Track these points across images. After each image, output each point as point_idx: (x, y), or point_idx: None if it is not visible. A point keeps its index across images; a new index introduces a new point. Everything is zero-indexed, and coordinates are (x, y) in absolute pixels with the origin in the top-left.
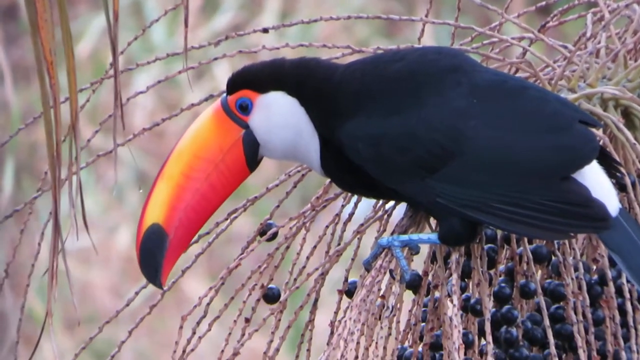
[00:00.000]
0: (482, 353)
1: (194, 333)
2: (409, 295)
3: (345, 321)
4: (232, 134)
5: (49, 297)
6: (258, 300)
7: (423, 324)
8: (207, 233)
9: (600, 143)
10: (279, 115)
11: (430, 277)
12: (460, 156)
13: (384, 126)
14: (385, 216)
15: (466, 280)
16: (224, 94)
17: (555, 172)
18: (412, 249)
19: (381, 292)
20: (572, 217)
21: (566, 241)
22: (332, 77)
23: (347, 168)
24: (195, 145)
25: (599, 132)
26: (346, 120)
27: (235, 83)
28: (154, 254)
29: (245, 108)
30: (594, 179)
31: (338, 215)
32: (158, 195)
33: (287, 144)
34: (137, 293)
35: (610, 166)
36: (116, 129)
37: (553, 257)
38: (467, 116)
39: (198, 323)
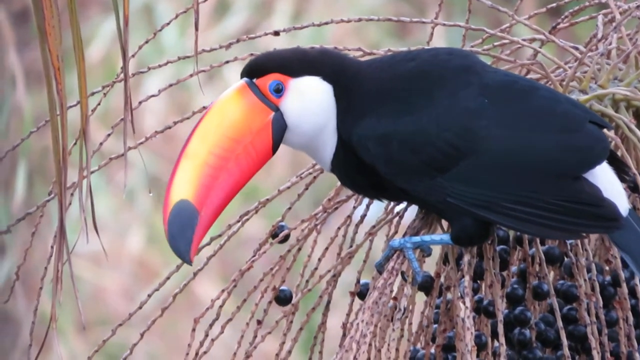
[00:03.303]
0: (495, 354)
1: (206, 335)
2: (421, 297)
3: (358, 323)
4: (262, 116)
5: (53, 302)
6: (270, 302)
7: (435, 325)
8: (219, 235)
9: (612, 144)
10: (314, 100)
11: (442, 279)
12: (472, 155)
13: (395, 125)
14: (397, 218)
15: (478, 281)
16: (246, 78)
17: (567, 171)
18: (424, 250)
19: (393, 294)
20: (583, 217)
21: (578, 242)
22: (359, 73)
23: (358, 168)
24: (223, 125)
25: (610, 133)
26: (359, 119)
27: (265, 66)
28: (185, 230)
29: (279, 91)
30: (605, 179)
31: (350, 217)
32: (185, 172)
33: (315, 130)
34: (149, 296)
35: (619, 168)
36: (127, 132)
37: (565, 258)
38: (479, 116)
39: (210, 325)
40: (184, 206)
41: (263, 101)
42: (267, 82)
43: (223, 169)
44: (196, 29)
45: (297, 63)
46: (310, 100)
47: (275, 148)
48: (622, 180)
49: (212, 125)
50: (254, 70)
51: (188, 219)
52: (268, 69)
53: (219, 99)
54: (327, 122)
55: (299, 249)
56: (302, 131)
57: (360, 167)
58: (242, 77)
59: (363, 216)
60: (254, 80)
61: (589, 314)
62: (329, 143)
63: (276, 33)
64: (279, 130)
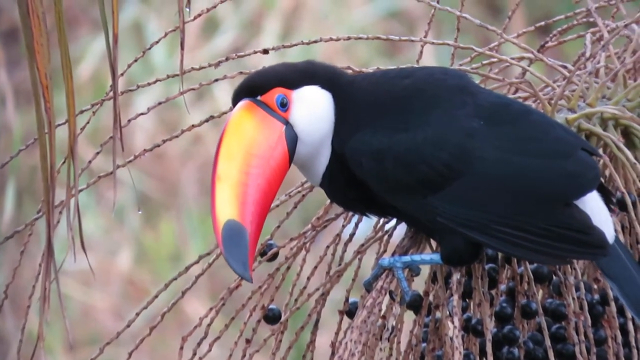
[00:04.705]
0: None
1: (194, 354)
2: (409, 316)
3: (346, 342)
4: (276, 130)
5: (40, 320)
6: (259, 320)
7: (424, 344)
8: (208, 254)
9: (601, 163)
10: (318, 107)
11: (431, 297)
12: (465, 176)
13: (389, 142)
14: (386, 236)
15: (467, 300)
16: (245, 98)
17: (559, 197)
18: (413, 270)
19: (382, 313)
20: (571, 243)
21: None
22: (352, 84)
23: (349, 182)
24: (246, 143)
25: (600, 153)
26: (354, 131)
27: (266, 83)
28: (240, 249)
29: (285, 104)
30: (594, 206)
31: (339, 235)
32: (223, 194)
33: (322, 137)
34: (137, 314)
35: (606, 195)
36: (115, 151)
37: (554, 277)
38: (474, 136)
39: (199, 344)
40: (233, 226)
41: (274, 116)
42: (272, 97)
43: (255, 186)
44: (182, 48)
45: (293, 75)
46: (314, 108)
47: (290, 160)
48: (608, 208)
49: (234, 145)
50: (256, 88)
51: (240, 238)
52: (270, 84)
53: (230, 121)
54: (330, 130)
55: (288, 268)
56: (311, 139)
57: (351, 181)
58: (239, 97)
59: (352, 235)
60: (259, 97)
61: (577, 333)
62: (324, 154)
63: (265, 51)
64: (292, 141)
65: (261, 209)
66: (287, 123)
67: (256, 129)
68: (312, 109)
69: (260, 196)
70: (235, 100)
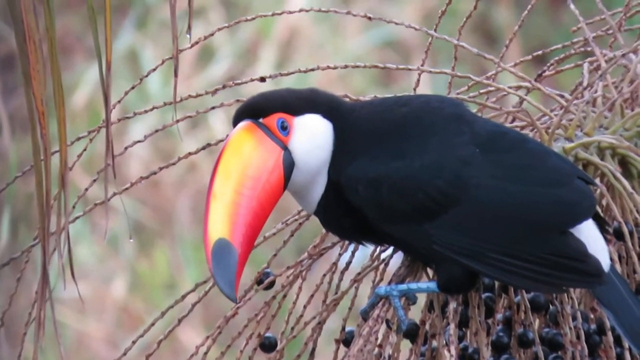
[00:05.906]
0: None
1: None
2: (406, 345)
3: None
4: (274, 154)
5: (35, 347)
6: (255, 349)
7: None
8: (204, 282)
9: (598, 192)
10: (319, 137)
11: (427, 326)
12: (461, 204)
13: (386, 169)
14: (383, 265)
15: (464, 329)
16: (247, 119)
17: (555, 225)
18: (410, 299)
19: (378, 342)
20: (567, 271)
21: None
22: (351, 113)
23: (345, 210)
24: (243, 163)
25: (597, 182)
26: (351, 159)
27: (269, 106)
28: (229, 268)
29: (286, 129)
30: (589, 234)
31: (335, 264)
32: (216, 212)
33: (319, 167)
34: (133, 342)
35: (600, 224)
36: (108, 178)
37: (551, 306)
38: (471, 165)
39: None
40: (224, 245)
41: (274, 140)
42: (274, 121)
43: (248, 207)
44: (175, 75)
45: (297, 102)
46: (314, 137)
47: (285, 186)
48: (603, 237)
49: (232, 164)
50: (259, 110)
51: (229, 257)
52: (273, 108)
53: (229, 140)
54: (327, 159)
55: (284, 296)
56: (308, 168)
57: (346, 209)
58: (240, 117)
59: (348, 263)
60: (260, 120)
61: None
62: (320, 183)
63: (262, 79)
64: (289, 168)
65: (252, 231)
66: (285, 148)
67: (255, 150)
68: (312, 138)
69: (252, 218)
70: (237, 121)
